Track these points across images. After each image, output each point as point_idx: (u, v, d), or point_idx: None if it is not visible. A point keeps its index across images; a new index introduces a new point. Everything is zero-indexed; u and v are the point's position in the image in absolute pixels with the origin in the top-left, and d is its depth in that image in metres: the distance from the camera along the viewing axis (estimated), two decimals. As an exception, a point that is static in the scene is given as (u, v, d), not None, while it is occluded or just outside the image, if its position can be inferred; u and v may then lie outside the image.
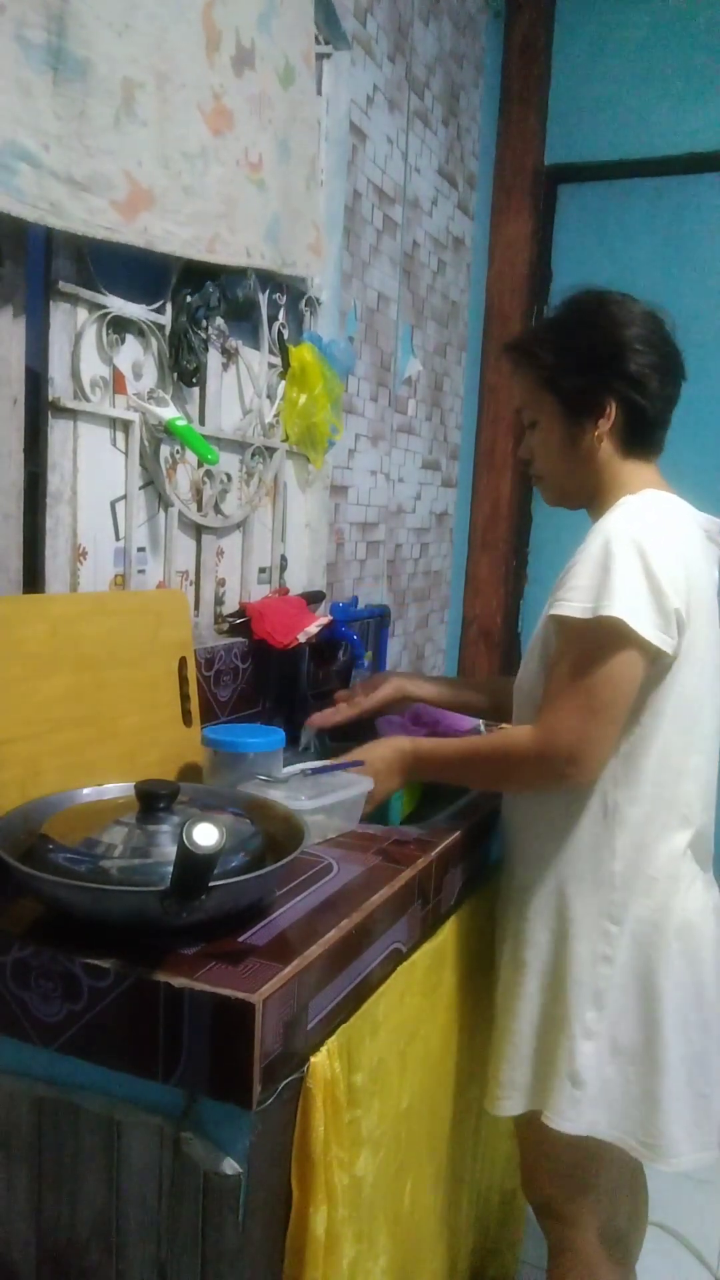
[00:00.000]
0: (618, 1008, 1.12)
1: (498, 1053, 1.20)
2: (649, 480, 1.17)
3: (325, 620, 1.71)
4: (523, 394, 1.22)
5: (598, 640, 1.04)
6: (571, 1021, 1.13)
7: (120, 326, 1.33)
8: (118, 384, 1.34)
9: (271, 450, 1.71)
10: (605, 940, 1.12)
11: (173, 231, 1.27)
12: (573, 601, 1.06)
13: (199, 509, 1.55)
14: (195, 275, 1.42)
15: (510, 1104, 1.18)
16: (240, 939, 0.86)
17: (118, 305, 1.31)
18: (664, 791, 1.12)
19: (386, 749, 1.23)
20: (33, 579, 1.24)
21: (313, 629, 1.65)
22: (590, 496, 1.19)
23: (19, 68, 1.03)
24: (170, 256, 1.38)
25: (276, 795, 1.11)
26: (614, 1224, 1.25)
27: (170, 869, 0.80)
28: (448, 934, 1.18)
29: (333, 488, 1.97)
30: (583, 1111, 1.12)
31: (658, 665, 1.08)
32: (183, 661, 1.32)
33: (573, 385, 1.16)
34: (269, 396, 1.70)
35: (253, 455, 1.66)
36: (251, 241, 1.46)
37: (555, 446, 1.20)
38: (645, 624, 1.03)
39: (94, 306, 1.28)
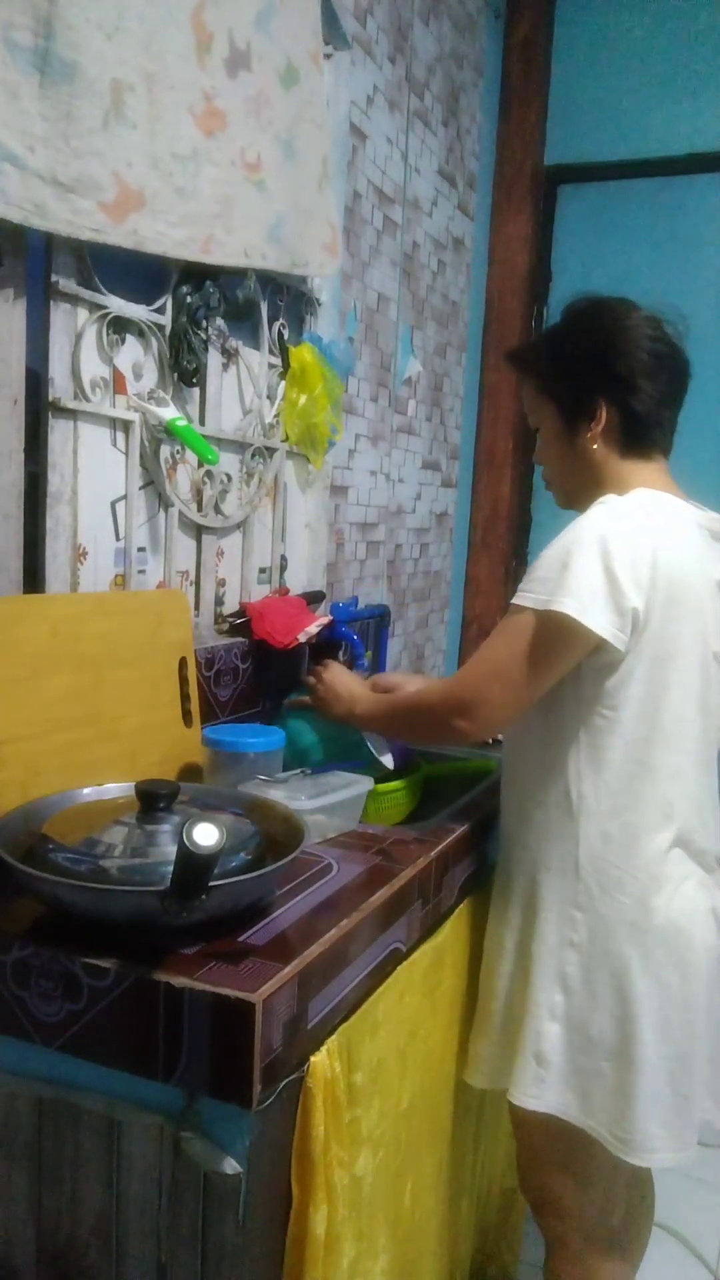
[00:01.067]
0: (588, 996, 1.14)
1: (475, 1029, 1.25)
2: (648, 480, 1.17)
3: (325, 620, 1.71)
4: (527, 402, 1.27)
5: (542, 630, 1.08)
6: (539, 1002, 1.16)
7: (120, 327, 1.34)
8: (118, 384, 1.34)
9: (271, 450, 1.71)
10: (570, 925, 1.15)
11: (164, 233, 1.27)
12: (529, 593, 1.09)
13: (199, 509, 1.55)
14: (195, 276, 1.42)
15: (480, 1077, 1.23)
16: (240, 939, 0.86)
17: (118, 305, 1.31)
18: (635, 786, 1.13)
19: (344, 681, 1.34)
20: (33, 579, 1.24)
21: (313, 629, 1.65)
22: (592, 498, 1.19)
23: (5, 70, 1.03)
24: (169, 257, 1.39)
25: (276, 795, 1.11)
26: (607, 1220, 1.25)
27: (170, 869, 0.80)
28: (447, 933, 1.18)
29: (333, 488, 1.97)
30: (547, 1090, 1.15)
31: (607, 658, 1.10)
32: (183, 661, 1.32)
33: (566, 390, 1.19)
34: (269, 397, 1.70)
35: (253, 455, 1.66)
36: (251, 242, 1.46)
37: (556, 451, 1.23)
38: (597, 620, 1.06)
39: (94, 307, 1.28)
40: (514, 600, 1.11)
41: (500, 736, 1.29)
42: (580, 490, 1.22)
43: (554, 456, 1.24)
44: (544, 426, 1.24)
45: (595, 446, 1.18)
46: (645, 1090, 1.11)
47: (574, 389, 1.18)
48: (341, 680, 1.34)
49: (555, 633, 1.07)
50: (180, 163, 1.28)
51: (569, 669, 1.11)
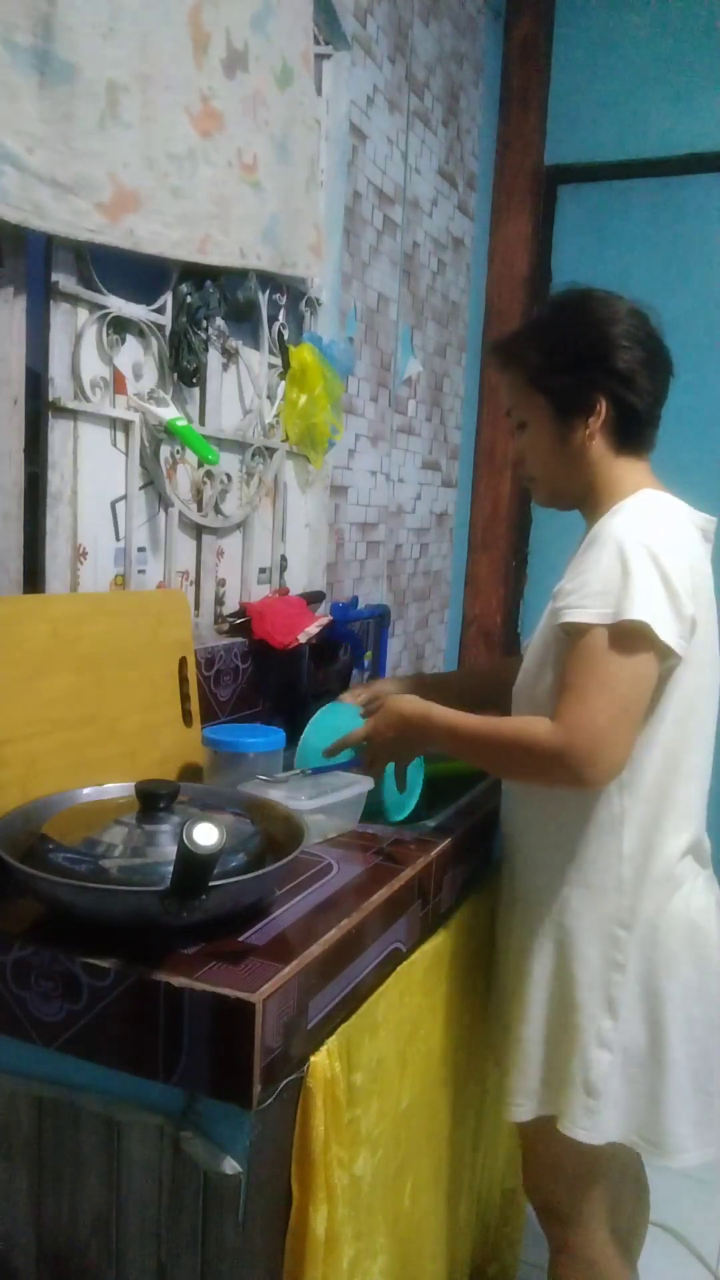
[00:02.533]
0: (629, 1013, 1.12)
1: (508, 1060, 1.20)
2: (641, 479, 1.16)
3: (325, 620, 1.71)
4: (511, 395, 1.20)
5: (621, 644, 1.02)
6: (585, 1030, 1.12)
7: (120, 327, 1.34)
8: (118, 384, 1.34)
9: (271, 450, 1.71)
10: (616, 946, 1.12)
11: (160, 233, 1.27)
12: (590, 608, 1.04)
13: (199, 509, 1.55)
14: (195, 276, 1.42)
15: (522, 1110, 1.18)
16: (240, 939, 0.86)
17: (118, 305, 1.31)
18: (666, 793, 1.12)
19: (393, 714, 1.17)
20: (33, 579, 1.24)
21: (313, 629, 1.65)
22: (583, 496, 1.18)
23: (5, 71, 1.04)
24: (167, 257, 1.39)
25: (276, 795, 1.11)
26: (616, 1225, 1.25)
27: (170, 869, 0.80)
28: (447, 934, 1.18)
29: (333, 488, 1.97)
30: (599, 1120, 1.12)
31: (665, 667, 1.07)
32: (183, 661, 1.32)
33: (562, 383, 1.14)
34: (269, 397, 1.70)
35: (253, 455, 1.66)
36: (246, 242, 1.46)
37: (546, 446, 1.18)
38: (666, 629, 1.02)
39: (94, 307, 1.28)
40: (573, 619, 1.04)
41: None
42: (570, 489, 1.19)
43: (543, 452, 1.18)
44: (533, 421, 1.18)
45: (593, 443, 1.14)
46: (673, 1090, 1.11)
47: (572, 383, 1.14)
48: (383, 719, 1.18)
49: (635, 646, 1.02)
50: (176, 163, 1.28)
51: (656, 679, 1.05)
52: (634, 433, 1.15)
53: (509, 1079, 1.19)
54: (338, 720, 1.30)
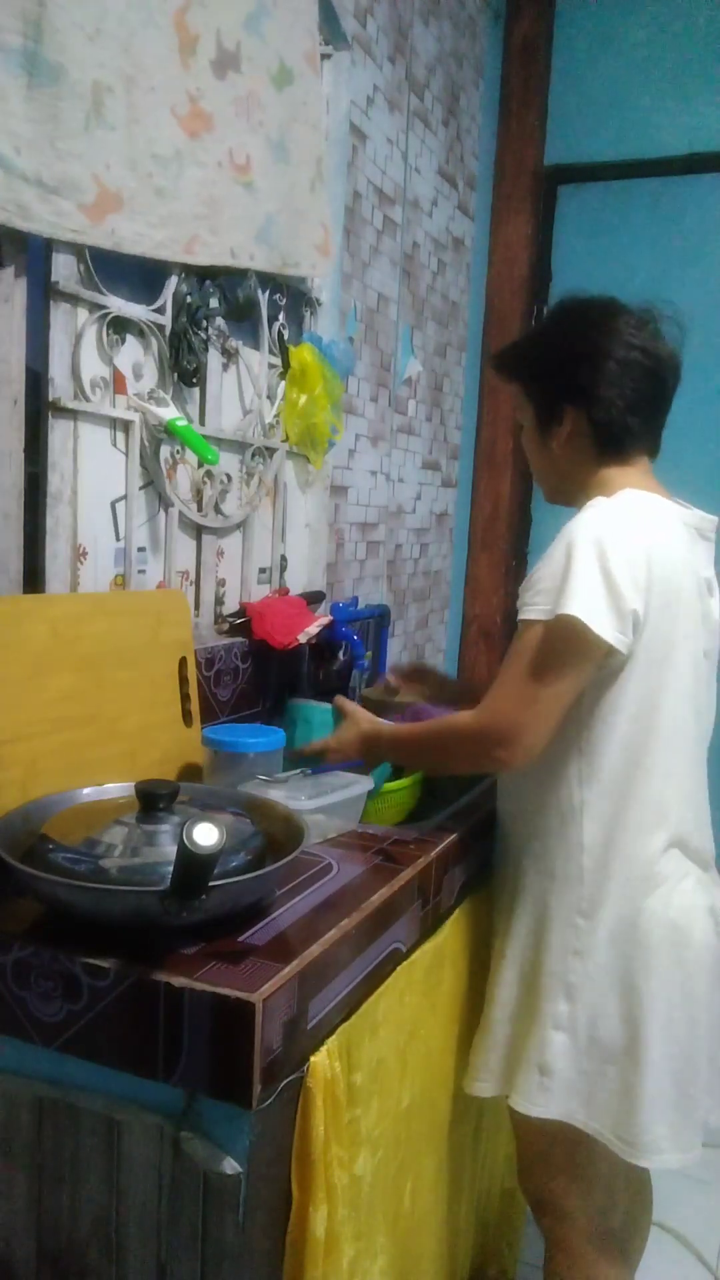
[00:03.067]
0: (594, 1003, 1.14)
1: (478, 1037, 1.24)
2: (631, 481, 1.17)
3: (325, 620, 1.71)
4: (513, 400, 1.30)
5: (554, 637, 1.07)
6: (543, 1012, 1.15)
7: (120, 327, 1.34)
8: (118, 384, 1.34)
9: (271, 450, 1.71)
10: (575, 934, 1.15)
11: (144, 233, 1.27)
12: (535, 605, 1.09)
13: (199, 509, 1.55)
14: (196, 276, 1.42)
15: (483, 1086, 1.22)
16: (240, 939, 0.86)
17: (118, 305, 1.31)
18: (634, 789, 1.13)
19: (353, 731, 1.28)
20: (33, 579, 1.24)
21: (313, 629, 1.65)
22: (575, 496, 1.22)
23: None
24: (150, 258, 1.39)
25: (276, 795, 1.12)
26: (607, 1221, 1.25)
27: (170, 869, 0.80)
28: (447, 934, 1.18)
29: (333, 488, 1.97)
30: (552, 1099, 1.14)
31: (610, 663, 1.10)
32: (183, 661, 1.32)
33: (538, 394, 1.22)
34: (269, 397, 1.70)
35: (253, 455, 1.66)
36: (239, 242, 1.46)
37: (534, 450, 1.27)
38: (602, 624, 1.05)
39: (94, 307, 1.28)
40: (520, 616, 1.11)
41: None
42: (563, 488, 1.25)
43: (532, 455, 1.28)
44: (526, 429, 1.27)
45: (568, 450, 1.20)
46: (650, 1091, 1.11)
47: (544, 395, 1.21)
48: (345, 732, 1.28)
49: (567, 640, 1.06)
50: (161, 164, 1.28)
51: (588, 677, 1.09)
52: (609, 441, 1.18)
53: (475, 1055, 1.23)
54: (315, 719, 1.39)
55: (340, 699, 1.36)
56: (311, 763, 1.28)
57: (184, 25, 1.29)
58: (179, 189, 1.32)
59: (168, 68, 1.27)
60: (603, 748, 1.13)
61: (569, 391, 1.18)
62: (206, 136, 1.36)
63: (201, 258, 1.39)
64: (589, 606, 1.05)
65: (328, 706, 1.39)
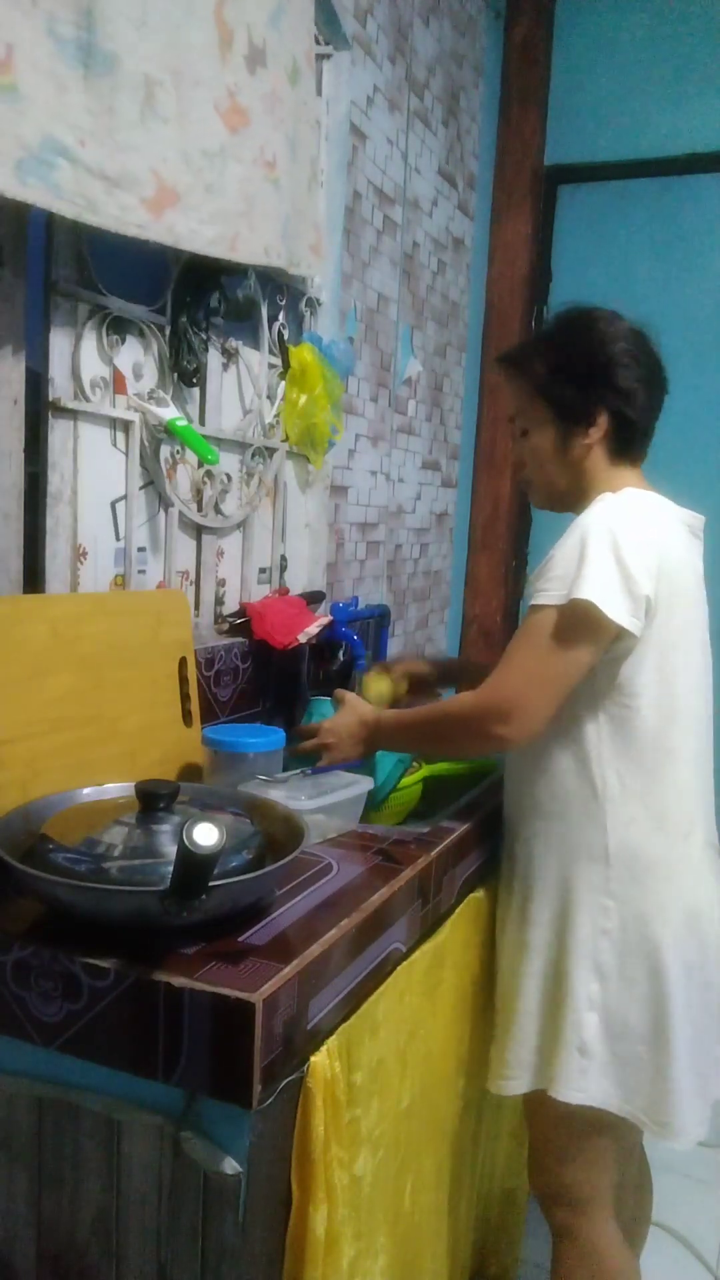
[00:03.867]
0: (623, 983, 1.15)
1: (503, 1034, 1.23)
2: (630, 481, 1.22)
3: (325, 620, 1.71)
4: (516, 403, 1.27)
5: (566, 621, 1.09)
6: (577, 994, 1.16)
7: (120, 327, 1.34)
8: (118, 384, 1.34)
9: (271, 450, 1.71)
10: (603, 914, 1.16)
11: (197, 230, 1.27)
12: (548, 590, 1.11)
13: (199, 509, 1.55)
14: (195, 275, 1.42)
15: (517, 1083, 1.21)
16: (240, 939, 0.86)
17: (118, 305, 1.31)
18: (658, 770, 1.16)
19: (352, 718, 1.28)
20: (33, 579, 1.24)
21: (313, 629, 1.65)
22: (578, 500, 1.23)
23: (53, 62, 1.03)
24: (170, 256, 1.39)
25: (276, 795, 1.12)
26: (620, 1210, 1.27)
27: (170, 869, 0.80)
28: (447, 934, 1.18)
29: (333, 488, 1.97)
30: (590, 1082, 1.15)
31: (622, 646, 1.12)
32: (183, 661, 1.32)
33: (566, 396, 1.21)
34: (269, 397, 1.70)
35: (253, 455, 1.66)
36: (270, 241, 1.46)
37: (548, 453, 1.25)
38: (615, 607, 1.08)
39: (94, 307, 1.28)
40: (533, 602, 1.13)
41: None
42: (566, 493, 1.26)
43: (544, 459, 1.26)
44: (535, 429, 1.25)
45: (591, 452, 1.21)
46: (679, 1072, 1.14)
47: (576, 396, 1.20)
48: (342, 719, 1.28)
49: (580, 623, 1.09)
50: (209, 159, 1.27)
51: (596, 661, 1.12)
52: (629, 444, 1.23)
53: (505, 1052, 1.22)
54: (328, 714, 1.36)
55: (340, 691, 1.37)
56: (312, 761, 1.27)
57: (222, 19, 1.28)
58: (224, 185, 1.31)
59: (210, 62, 1.26)
60: (627, 730, 1.15)
61: (608, 392, 1.19)
62: (244, 132, 1.35)
63: (242, 255, 1.39)
64: (603, 591, 1.08)
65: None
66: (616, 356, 1.19)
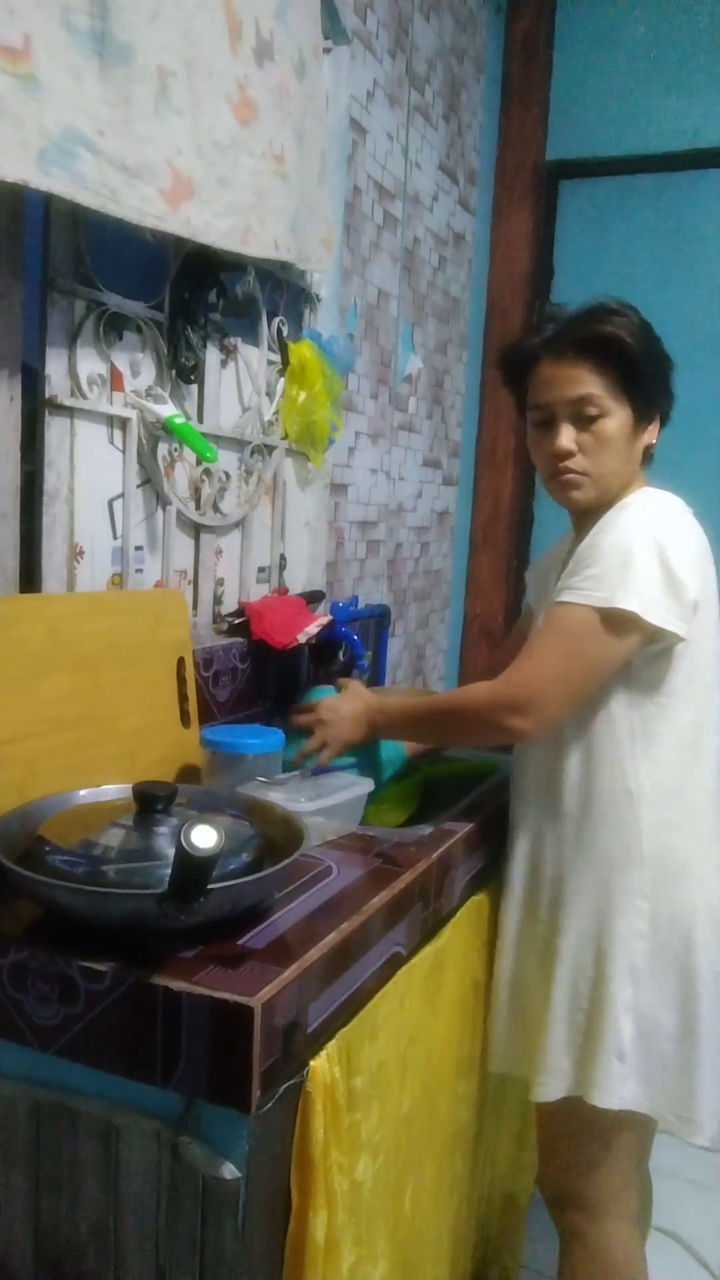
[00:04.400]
0: (655, 983, 1.15)
1: (533, 1044, 1.22)
2: (641, 481, 1.24)
3: (325, 620, 1.70)
4: (596, 386, 1.17)
5: (602, 625, 1.09)
6: (614, 999, 1.15)
7: (118, 323, 1.33)
8: (115, 381, 1.33)
9: (271, 448, 1.70)
10: (639, 916, 1.16)
11: (211, 222, 1.26)
12: (585, 590, 1.10)
13: (197, 507, 1.54)
14: (194, 271, 1.41)
15: (549, 1090, 1.20)
16: (239, 942, 0.86)
17: (115, 302, 1.30)
18: (686, 770, 1.16)
19: (356, 701, 1.28)
20: (29, 578, 1.23)
21: (312, 629, 1.64)
22: (616, 497, 1.21)
23: (69, 53, 1.02)
24: (169, 252, 1.38)
25: (276, 797, 1.11)
26: (629, 1212, 1.26)
27: (168, 871, 0.79)
28: (448, 937, 1.17)
29: (332, 486, 1.96)
30: (627, 1086, 1.16)
31: (663, 646, 1.13)
32: (181, 662, 1.31)
33: (651, 390, 1.20)
34: (268, 394, 1.69)
35: (252, 453, 1.65)
36: (280, 234, 1.45)
37: (620, 443, 1.18)
38: (660, 615, 1.08)
39: (91, 303, 1.27)
40: (567, 599, 1.11)
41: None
42: (613, 487, 1.21)
43: (616, 449, 1.18)
44: (610, 421, 1.17)
45: (643, 452, 1.22)
46: (705, 1069, 1.15)
47: (655, 391, 1.20)
48: (344, 701, 1.28)
49: (618, 629, 1.09)
50: (221, 152, 1.27)
51: (626, 662, 1.12)
52: (652, 448, 1.24)
53: (542, 1059, 1.20)
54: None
55: (345, 679, 1.38)
56: (313, 761, 1.26)
57: (231, 11, 1.28)
58: (235, 178, 1.30)
59: (220, 54, 1.25)
60: (657, 729, 1.15)
61: (669, 392, 1.21)
62: (254, 125, 1.34)
63: (254, 249, 1.38)
64: (648, 601, 1.08)
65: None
66: (670, 358, 1.20)
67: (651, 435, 1.21)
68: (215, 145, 1.25)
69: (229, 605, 1.66)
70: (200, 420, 1.52)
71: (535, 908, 1.24)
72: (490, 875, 1.31)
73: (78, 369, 1.26)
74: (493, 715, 1.13)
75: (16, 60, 0.97)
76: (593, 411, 1.17)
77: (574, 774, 1.19)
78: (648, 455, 1.24)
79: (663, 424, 1.23)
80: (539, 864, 1.24)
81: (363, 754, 1.33)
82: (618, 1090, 1.15)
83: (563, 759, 1.19)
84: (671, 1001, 1.15)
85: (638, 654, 1.12)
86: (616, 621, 1.08)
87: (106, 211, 1.08)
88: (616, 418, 1.17)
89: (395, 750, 1.38)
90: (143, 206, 1.13)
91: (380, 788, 1.35)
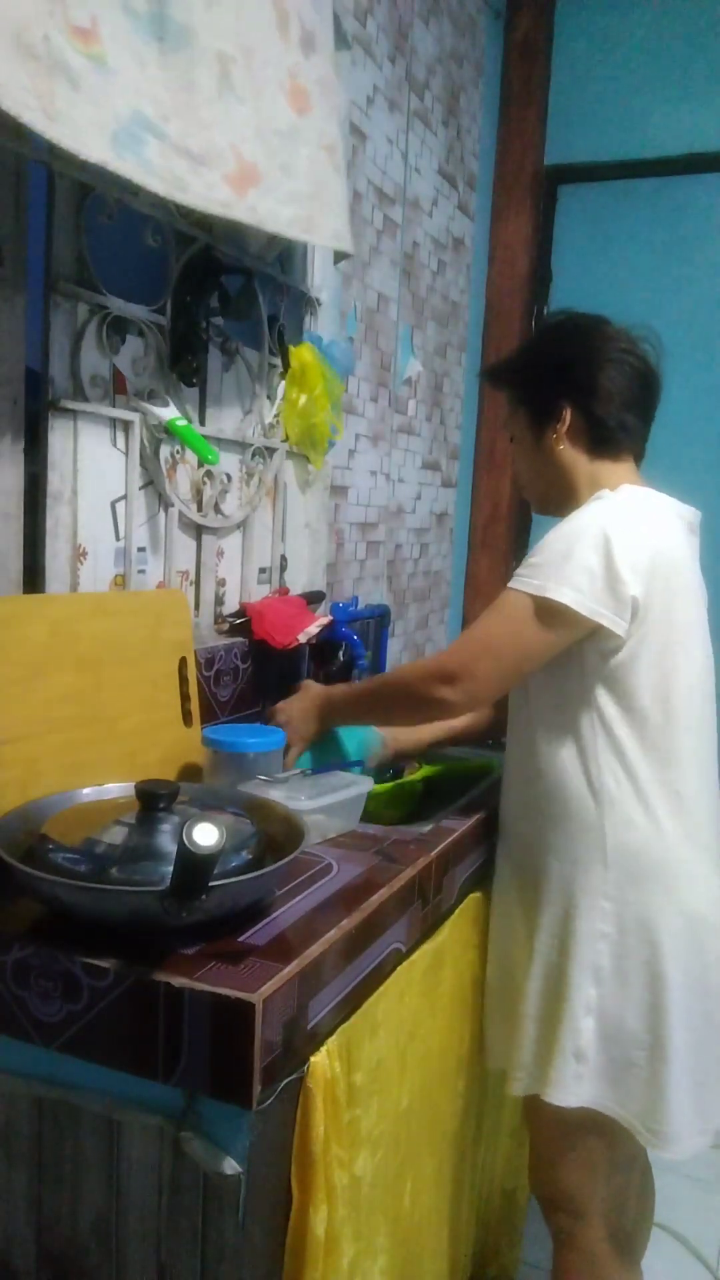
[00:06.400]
0: (620, 986, 1.14)
1: (508, 1039, 1.23)
2: (623, 478, 1.22)
3: (325, 620, 1.71)
4: (505, 413, 1.33)
5: (535, 612, 1.11)
6: (575, 999, 1.15)
7: (120, 326, 1.33)
8: (118, 384, 1.34)
9: (271, 450, 1.71)
10: (602, 917, 1.15)
11: (275, 210, 1.25)
12: (525, 578, 1.13)
13: (199, 509, 1.55)
14: (195, 275, 1.42)
15: (519, 1085, 1.21)
16: (240, 939, 0.86)
17: (118, 305, 1.31)
18: (653, 772, 1.15)
19: (305, 698, 1.33)
20: (33, 579, 1.24)
21: (313, 629, 1.65)
22: (566, 500, 1.24)
23: (130, 38, 1.00)
24: (171, 255, 1.39)
25: (276, 795, 1.11)
26: (621, 1223, 1.25)
27: (170, 869, 0.80)
28: (447, 934, 1.18)
29: (333, 488, 1.97)
30: (584, 1086, 1.15)
31: (609, 644, 1.13)
32: (183, 661, 1.32)
33: (534, 394, 1.25)
34: (269, 397, 1.70)
35: (253, 455, 1.66)
36: (338, 225, 1.44)
37: (527, 454, 1.29)
38: (593, 606, 1.09)
39: (94, 306, 1.28)
40: (511, 584, 1.14)
41: (505, 739, 1.30)
42: (553, 493, 1.27)
43: (526, 462, 1.30)
44: (518, 435, 1.29)
45: (561, 448, 1.23)
46: (674, 1081, 1.13)
47: (540, 394, 1.24)
48: (295, 699, 1.33)
49: (550, 619, 1.11)
50: (281, 139, 1.26)
51: (558, 652, 1.14)
52: (604, 437, 1.23)
53: (514, 1054, 1.21)
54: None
55: (304, 681, 1.41)
56: (313, 761, 1.28)
57: (279, 0, 1.26)
58: (296, 166, 1.29)
59: (273, 42, 1.25)
60: (621, 732, 1.15)
61: (567, 387, 1.22)
62: (309, 115, 1.33)
63: (315, 237, 1.37)
64: (579, 593, 1.09)
65: None
66: (579, 351, 1.21)
67: (560, 428, 1.22)
68: (276, 133, 1.24)
69: (230, 606, 1.67)
70: (202, 423, 1.53)
71: (515, 905, 1.25)
72: (489, 873, 1.32)
73: (81, 372, 1.26)
74: (424, 686, 1.15)
75: (89, 40, 0.95)
76: (510, 435, 1.32)
77: (543, 773, 1.19)
78: (606, 440, 1.22)
79: (584, 409, 1.21)
80: (518, 862, 1.25)
81: (324, 746, 1.34)
82: (573, 1089, 1.15)
83: (536, 758, 1.20)
84: (639, 1008, 1.14)
85: (592, 651, 1.13)
86: (549, 611, 1.10)
87: (173, 198, 1.05)
88: (519, 433, 1.29)
89: (355, 736, 1.39)
90: (209, 194, 1.10)
91: (357, 769, 1.35)
